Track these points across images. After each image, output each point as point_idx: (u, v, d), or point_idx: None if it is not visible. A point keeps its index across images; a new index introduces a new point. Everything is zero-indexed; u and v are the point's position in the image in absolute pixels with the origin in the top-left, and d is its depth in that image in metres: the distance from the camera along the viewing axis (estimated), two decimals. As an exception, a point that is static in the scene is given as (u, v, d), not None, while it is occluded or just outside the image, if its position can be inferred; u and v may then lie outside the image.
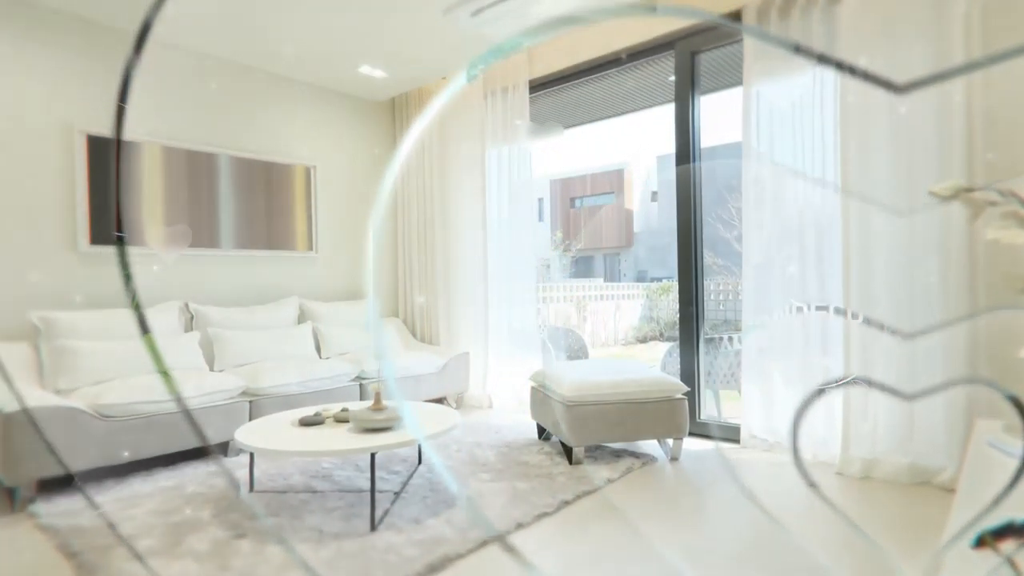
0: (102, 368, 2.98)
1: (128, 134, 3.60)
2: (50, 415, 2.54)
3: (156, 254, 3.72)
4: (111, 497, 2.55)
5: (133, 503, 2.47)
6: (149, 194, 3.67)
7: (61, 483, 2.70)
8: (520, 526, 2.19)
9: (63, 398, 2.75)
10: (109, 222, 3.52)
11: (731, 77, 3.47)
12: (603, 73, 4.03)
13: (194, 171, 3.87)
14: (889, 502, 2.45)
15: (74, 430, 2.60)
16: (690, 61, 3.55)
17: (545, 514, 2.31)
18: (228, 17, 3.51)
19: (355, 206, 4.91)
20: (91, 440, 2.65)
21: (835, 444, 2.91)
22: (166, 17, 3.46)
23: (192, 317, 3.66)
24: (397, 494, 2.52)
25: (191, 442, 2.96)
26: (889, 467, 2.71)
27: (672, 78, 3.65)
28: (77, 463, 2.62)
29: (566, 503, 2.43)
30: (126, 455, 2.74)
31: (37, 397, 2.63)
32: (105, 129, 3.51)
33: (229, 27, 3.65)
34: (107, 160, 3.50)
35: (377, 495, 2.47)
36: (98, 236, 3.48)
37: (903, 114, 2.65)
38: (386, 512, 2.31)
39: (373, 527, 2.16)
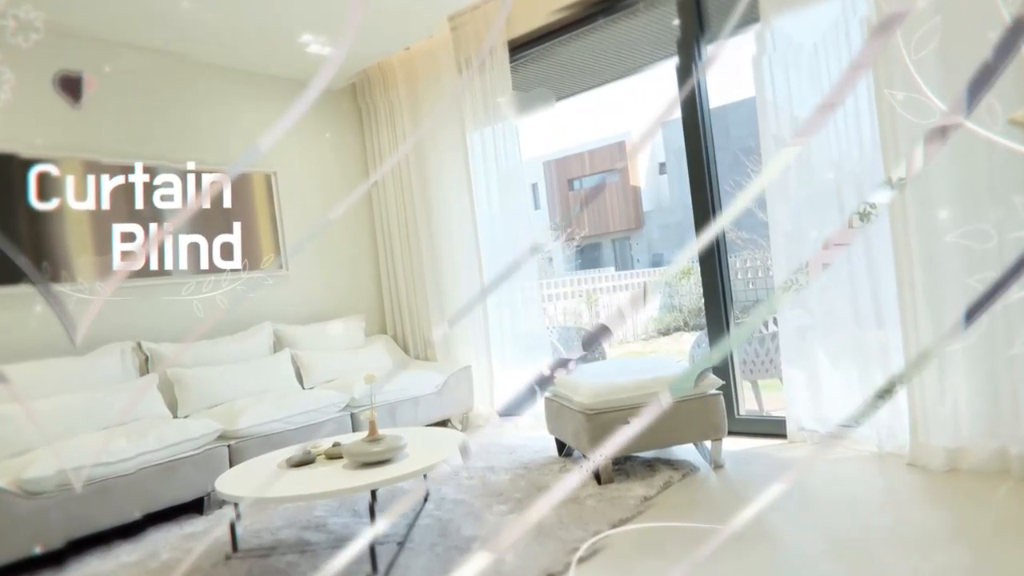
0: (18, 435, 2.71)
1: (33, 150, 3.25)
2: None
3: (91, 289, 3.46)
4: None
5: (91, 586, 2.26)
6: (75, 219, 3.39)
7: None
8: (550, 576, 1.97)
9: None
10: (5, 256, 3.13)
11: (743, 15, 3.24)
12: (595, 24, 3.76)
13: (128, 188, 3.63)
14: (995, 501, 2.17)
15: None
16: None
17: (581, 559, 2.06)
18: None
19: (326, 213, 4.69)
20: (17, 525, 2.37)
21: (903, 431, 2.68)
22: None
23: (147, 358, 3.45)
24: (400, 544, 2.30)
25: (158, 503, 2.75)
26: (981, 456, 2.44)
27: (676, 21, 3.42)
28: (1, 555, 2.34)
29: (601, 536, 2.20)
30: (36, 549, 2.40)
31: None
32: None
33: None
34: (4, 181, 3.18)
35: (377, 547, 2.25)
36: None
37: (958, 27, 2.32)
38: (389, 569, 2.10)
39: (372, 595, 1.95)
